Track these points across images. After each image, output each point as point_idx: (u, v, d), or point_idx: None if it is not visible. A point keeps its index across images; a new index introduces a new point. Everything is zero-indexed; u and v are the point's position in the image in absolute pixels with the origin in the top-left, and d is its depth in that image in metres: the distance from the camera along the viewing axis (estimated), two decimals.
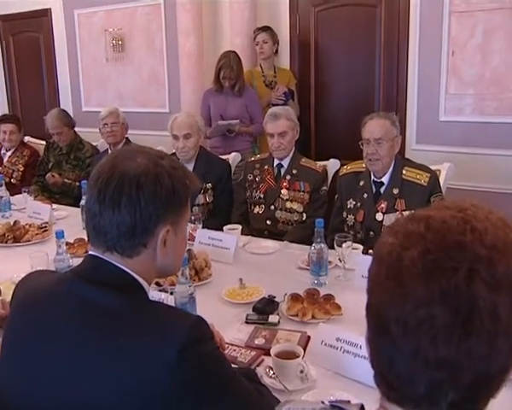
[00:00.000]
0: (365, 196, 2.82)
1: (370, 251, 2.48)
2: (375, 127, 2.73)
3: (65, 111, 4.61)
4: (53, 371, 1.07)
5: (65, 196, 4.20)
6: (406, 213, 2.67)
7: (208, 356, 1.07)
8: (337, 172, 3.23)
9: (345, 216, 2.89)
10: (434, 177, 2.74)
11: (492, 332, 0.66)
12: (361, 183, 2.85)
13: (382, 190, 2.78)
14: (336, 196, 3.01)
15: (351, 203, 2.87)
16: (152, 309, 1.13)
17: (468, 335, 0.66)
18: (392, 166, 2.77)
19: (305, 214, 3.13)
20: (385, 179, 2.78)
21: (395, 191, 2.74)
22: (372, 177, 2.82)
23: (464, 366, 0.67)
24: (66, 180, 4.24)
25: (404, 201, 2.71)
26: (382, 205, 2.75)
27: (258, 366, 1.66)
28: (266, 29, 4.58)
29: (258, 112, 4.26)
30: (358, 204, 2.84)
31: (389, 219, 2.71)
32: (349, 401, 1.34)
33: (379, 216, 2.75)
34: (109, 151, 4.02)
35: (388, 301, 0.70)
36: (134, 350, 1.02)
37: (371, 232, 2.76)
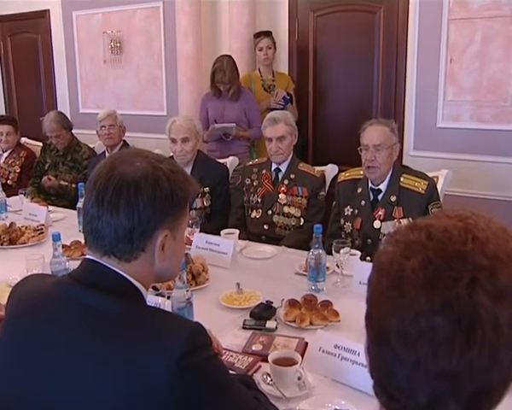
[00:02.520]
0: (363, 203, 2.81)
1: (368, 258, 2.48)
2: (374, 133, 2.72)
3: (62, 113, 4.59)
4: (49, 375, 1.06)
5: (61, 198, 4.18)
6: (404, 220, 2.66)
7: (206, 363, 1.06)
8: (335, 177, 3.22)
9: (342, 223, 2.88)
10: (432, 185, 2.73)
11: (494, 343, 0.66)
12: (359, 190, 2.84)
13: (380, 197, 2.77)
14: (334, 203, 3.00)
15: (348, 210, 2.86)
16: (149, 316, 1.12)
17: (469, 346, 0.65)
18: (390, 173, 2.77)
19: (302, 219, 3.12)
20: (382, 187, 2.77)
21: (393, 199, 2.72)
22: (370, 184, 2.81)
23: (466, 378, 0.66)
24: (62, 182, 4.23)
25: (401, 208, 2.70)
26: (380, 212, 2.74)
27: (255, 372, 1.65)
28: (268, 34, 4.58)
29: (257, 116, 4.25)
30: (356, 211, 2.82)
31: (387, 227, 2.70)
32: None
33: (376, 224, 2.74)
34: (106, 154, 4.01)
35: (389, 311, 0.70)
36: (132, 359, 1.01)
37: (369, 240, 2.75)
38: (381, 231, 2.71)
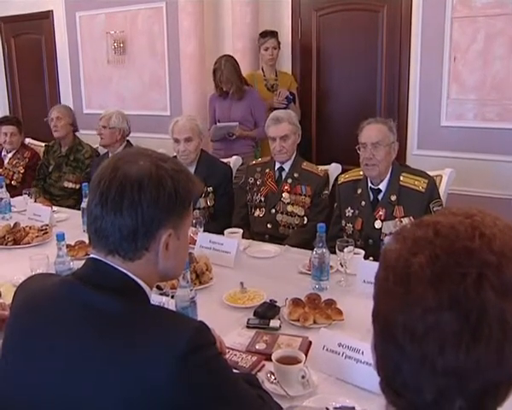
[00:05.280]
0: (363, 203, 2.80)
1: (371, 259, 2.47)
2: (372, 132, 2.72)
3: None
4: (53, 375, 1.06)
5: (65, 198, 4.20)
6: (405, 219, 2.65)
7: (210, 362, 1.06)
8: (339, 176, 3.21)
9: (343, 225, 2.87)
10: (432, 183, 2.72)
11: (501, 340, 0.66)
12: (358, 191, 2.83)
13: (380, 197, 2.76)
14: (335, 205, 2.99)
15: (349, 212, 2.85)
16: (153, 315, 1.12)
17: (476, 342, 0.65)
18: (390, 172, 2.75)
19: (306, 218, 3.12)
20: (382, 186, 2.76)
21: (393, 198, 2.71)
22: (369, 184, 2.80)
23: (472, 374, 0.67)
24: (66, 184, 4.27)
25: (402, 207, 2.68)
26: (380, 212, 2.73)
27: (259, 371, 1.65)
28: (274, 34, 4.59)
29: (262, 115, 4.24)
30: (356, 212, 2.81)
31: (388, 227, 2.69)
32: (353, 408, 1.33)
33: (377, 224, 2.72)
34: (109, 154, 4.02)
35: (396, 307, 0.70)
36: (135, 358, 1.01)
37: (370, 240, 2.73)
38: (383, 230, 2.70)
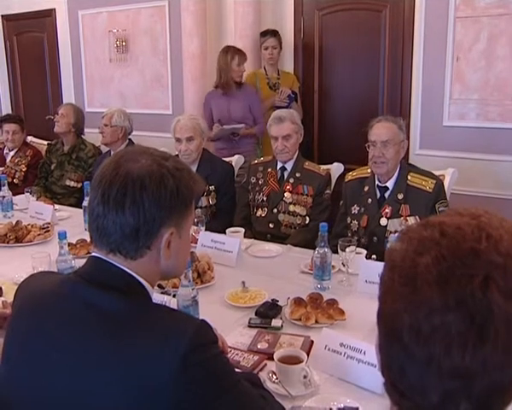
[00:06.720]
0: (369, 201, 2.80)
1: (374, 256, 2.47)
2: (382, 130, 2.72)
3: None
4: (55, 373, 1.06)
5: (67, 196, 4.20)
6: (410, 218, 2.66)
7: (212, 361, 1.06)
8: (340, 176, 3.21)
9: (349, 222, 2.88)
10: (439, 184, 2.73)
11: (507, 341, 0.65)
12: (365, 188, 2.84)
13: (387, 195, 2.77)
14: (341, 202, 2.99)
15: (355, 209, 2.86)
16: (155, 313, 1.12)
17: (483, 343, 0.65)
18: (398, 171, 2.76)
19: (308, 218, 3.12)
20: (389, 184, 2.77)
21: (400, 196, 2.72)
22: (376, 182, 2.80)
23: (478, 376, 0.66)
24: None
25: (408, 206, 2.69)
26: (387, 210, 2.74)
27: (261, 370, 1.64)
28: (275, 34, 4.58)
29: (260, 112, 4.27)
30: (362, 209, 2.82)
31: (393, 225, 2.69)
32: (357, 408, 1.33)
33: (383, 221, 2.73)
34: (111, 153, 4.01)
35: (402, 307, 0.69)
36: (137, 356, 1.01)
37: (375, 238, 2.74)
38: (388, 228, 2.71)
